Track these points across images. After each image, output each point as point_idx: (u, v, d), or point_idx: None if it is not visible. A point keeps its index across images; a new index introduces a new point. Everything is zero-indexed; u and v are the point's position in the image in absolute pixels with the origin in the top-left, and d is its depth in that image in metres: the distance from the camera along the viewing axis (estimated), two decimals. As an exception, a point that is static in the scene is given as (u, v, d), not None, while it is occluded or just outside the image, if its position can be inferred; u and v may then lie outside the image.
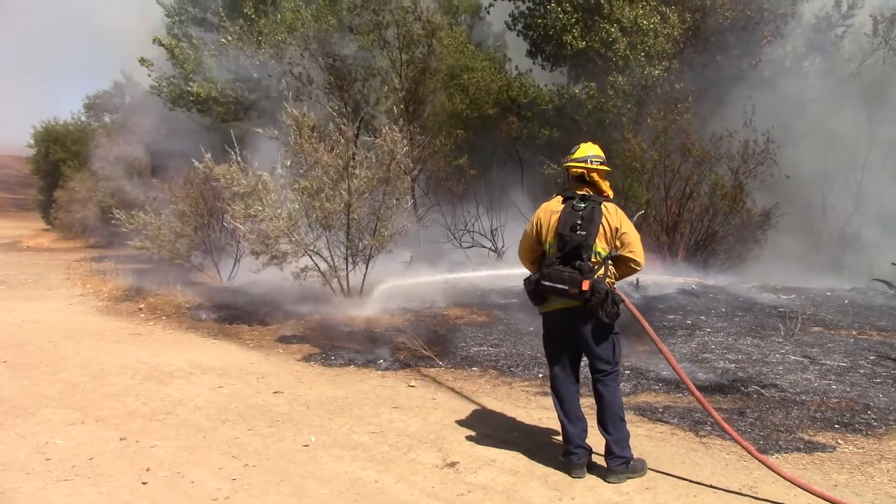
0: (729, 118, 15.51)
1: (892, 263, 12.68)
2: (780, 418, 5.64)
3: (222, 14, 20.90)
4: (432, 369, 7.59)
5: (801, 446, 5.10)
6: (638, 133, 15.13)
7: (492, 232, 15.20)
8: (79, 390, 6.84)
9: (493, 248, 15.08)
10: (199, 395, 6.65)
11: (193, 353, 8.52)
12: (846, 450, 5.03)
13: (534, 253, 4.83)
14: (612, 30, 15.66)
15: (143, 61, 20.68)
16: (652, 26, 15.47)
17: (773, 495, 4.30)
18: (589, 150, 4.72)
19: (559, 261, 4.54)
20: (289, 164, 11.58)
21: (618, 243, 4.56)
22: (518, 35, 20.57)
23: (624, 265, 4.63)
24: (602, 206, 4.53)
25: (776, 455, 4.96)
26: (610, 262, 4.59)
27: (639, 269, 4.67)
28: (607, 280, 4.54)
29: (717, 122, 15.39)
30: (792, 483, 4.28)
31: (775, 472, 4.36)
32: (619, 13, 15.68)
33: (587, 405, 4.90)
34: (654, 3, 16.11)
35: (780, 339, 8.23)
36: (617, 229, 4.53)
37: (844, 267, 13.94)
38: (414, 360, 7.84)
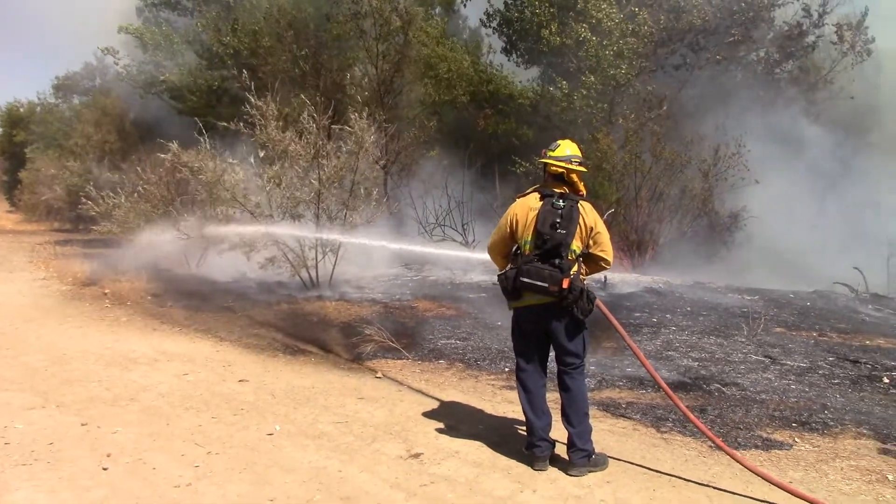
0: (700, 121, 15.74)
1: (854, 268, 12.95)
2: (739, 416, 5.74)
3: (197, -1, 20.70)
4: (399, 361, 7.60)
5: (759, 443, 5.20)
6: (610, 132, 15.26)
7: (462, 226, 15.22)
8: (40, 374, 6.73)
9: (463, 241, 15.11)
10: (163, 382, 6.58)
11: (158, 340, 8.43)
12: (802, 448, 5.15)
13: (507, 248, 4.84)
14: (581, 29, 15.74)
15: (106, 51, 20.27)
16: (616, 24, 15.51)
17: (731, 488, 4.39)
18: (568, 149, 4.73)
19: (538, 258, 4.57)
20: (261, 154, 11.52)
21: (591, 242, 4.63)
22: (493, 32, 20.66)
23: (594, 263, 4.70)
24: (579, 204, 4.58)
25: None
26: (580, 259, 4.65)
27: (608, 267, 4.76)
28: (581, 277, 4.60)
29: (689, 125, 15.60)
30: (778, 486, 4.37)
31: (755, 473, 4.44)
32: (594, 8, 15.74)
33: (552, 399, 4.95)
34: (624, 3, 16.24)
35: (743, 339, 8.37)
36: (591, 228, 4.58)
37: (808, 270, 14.19)
38: (381, 351, 7.84)
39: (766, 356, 7.63)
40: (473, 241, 15.03)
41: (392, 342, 7.87)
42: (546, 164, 4.75)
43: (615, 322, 4.86)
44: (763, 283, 13.05)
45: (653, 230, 14.68)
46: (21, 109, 31.33)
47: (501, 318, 9.62)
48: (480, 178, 17.57)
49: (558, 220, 4.51)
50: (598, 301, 4.68)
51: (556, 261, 4.50)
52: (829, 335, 8.93)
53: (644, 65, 15.99)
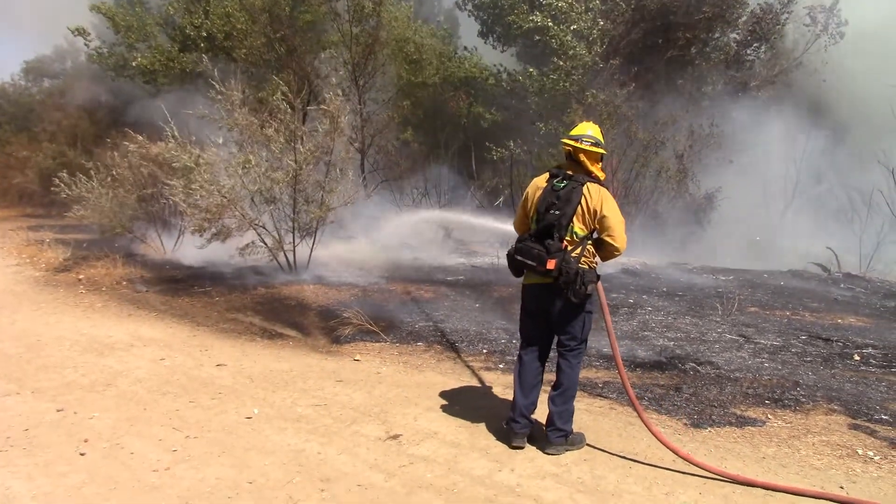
0: (673, 103, 15.80)
1: (827, 247, 13.15)
2: (714, 394, 5.83)
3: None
4: (378, 344, 7.61)
5: (734, 421, 5.29)
6: (584, 114, 15.26)
7: (441, 209, 15.22)
8: (14, 361, 6.66)
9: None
10: (139, 367, 6.54)
11: (134, 325, 8.37)
12: (775, 424, 5.24)
13: (524, 225, 4.82)
14: (537, 16, 15.69)
15: (77, 31, 19.85)
16: (569, 6, 15.43)
17: (705, 464, 4.47)
18: (585, 130, 4.67)
19: (532, 237, 4.61)
20: (230, 141, 11.39)
21: (598, 226, 4.52)
22: (469, 16, 20.63)
23: (604, 249, 4.58)
24: (584, 186, 4.49)
25: (709, 428, 5.15)
26: (589, 242, 4.57)
27: (618, 253, 4.58)
28: (584, 260, 4.53)
29: (662, 107, 15.66)
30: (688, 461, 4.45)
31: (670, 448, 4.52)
32: None
33: (548, 381, 5.00)
34: None
35: (718, 319, 8.48)
36: (596, 211, 4.47)
37: (782, 251, 14.38)
38: (360, 334, 7.84)
39: (740, 335, 7.73)
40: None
41: (370, 325, 7.87)
42: (562, 143, 4.75)
43: (605, 308, 4.87)
44: (737, 263, 13.22)
45: (629, 211, 14.76)
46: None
47: (478, 300, 9.68)
48: (457, 162, 17.55)
49: (555, 202, 4.53)
50: (599, 286, 4.66)
51: (546, 241, 4.52)
52: (802, 314, 9.07)
53: (612, 46, 15.95)
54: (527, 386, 4.80)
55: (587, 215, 4.50)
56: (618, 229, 4.49)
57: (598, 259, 4.64)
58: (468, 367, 6.79)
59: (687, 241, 14.53)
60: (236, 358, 7.02)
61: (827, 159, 16.68)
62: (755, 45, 17.77)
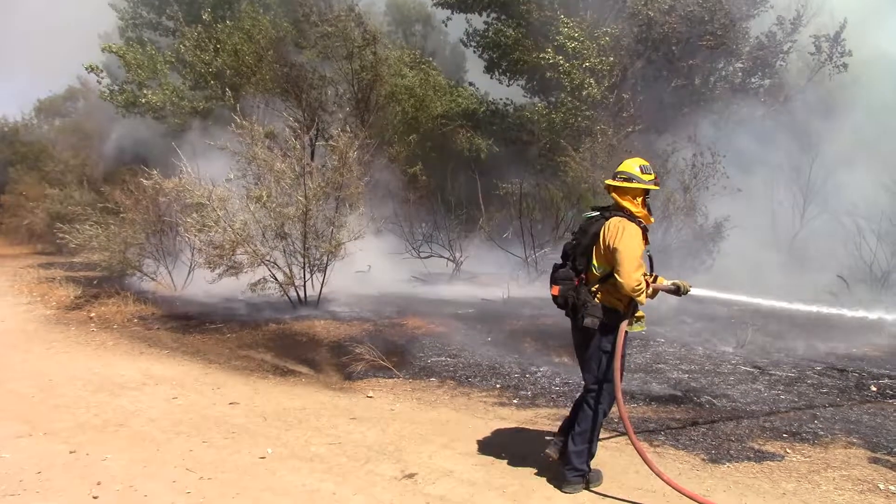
0: (680, 132, 15.86)
1: (838, 276, 13.06)
2: (731, 428, 5.77)
3: (179, 19, 20.65)
4: (390, 380, 7.58)
5: (752, 455, 5.23)
6: (594, 145, 15.32)
7: (450, 242, 15.23)
8: (26, 401, 6.65)
9: (451, 258, 15.11)
10: (152, 407, 6.52)
11: (146, 364, 8.36)
12: (794, 458, 5.18)
13: None
14: (549, 53, 15.87)
15: (91, 68, 20.19)
16: (580, 44, 15.62)
17: (725, 501, 4.41)
18: (624, 166, 4.61)
19: (560, 264, 4.69)
20: (247, 174, 11.51)
21: (612, 259, 4.41)
22: (474, 52, 20.89)
23: (614, 285, 4.42)
24: (609, 220, 4.45)
25: (728, 464, 5.08)
26: (606, 278, 4.47)
27: (626, 290, 4.35)
28: (603, 296, 4.47)
29: (667, 137, 15.71)
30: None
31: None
32: (556, 32, 15.87)
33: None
34: (588, 22, 16.37)
35: (731, 350, 8.43)
36: (608, 246, 4.39)
37: (792, 279, 14.29)
38: (372, 370, 7.82)
39: (754, 367, 7.68)
40: (461, 257, 15.03)
41: (382, 361, 7.85)
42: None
43: (619, 351, 4.52)
44: (747, 292, 13.12)
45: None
46: (6, 129, 31.03)
47: (490, 334, 9.64)
48: (466, 195, 17.60)
49: (575, 231, 4.65)
50: (622, 329, 4.48)
51: (561, 268, 4.61)
52: (816, 344, 9.00)
53: (616, 79, 16.08)
54: (572, 410, 4.81)
55: (603, 249, 4.46)
56: (625, 264, 4.31)
57: (623, 299, 4.47)
58: (482, 402, 6.74)
59: (697, 271, 14.46)
60: (249, 396, 7.00)
61: (833, 187, 16.65)
62: (759, 73, 17.88)
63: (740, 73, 17.65)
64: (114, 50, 19.99)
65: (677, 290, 4.73)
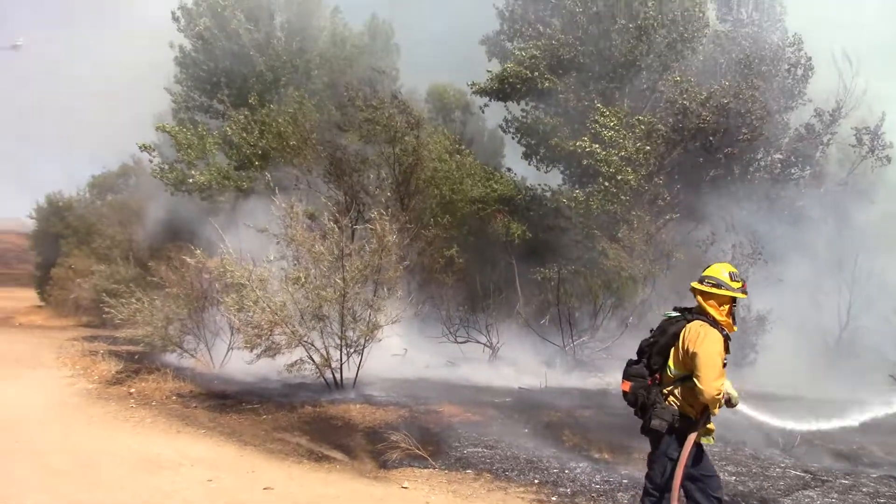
0: (719, 221, 15.81)
1: (891, 375, 12.61)
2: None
3: (227, 103, 21.55)
4: (426, 470, 7.45)
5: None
6: (632, 233, 15.32)
7: (487, 327, 15.15)
8: (65, 478, 6.67)
9: (488, 343, 15.01)
10: (188, 489, 6.49)
11: (183, 443, 8.36)
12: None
13: None
14: (585, 141, 16.13)
15: (144, 147, 21.06)
16: (616, 133, 15.84)
17: None
18: (712, 271, 4.56)
19: (634, 360, 4.64)
20: (285, 256, 11.74)
21: (691, 365, 4.29)
22: (512, 138, 21.32)
23: (690, 389, 4.29)
24: (689, 324, 4.39)
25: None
26: (681, 381, 4.37)
27: (703, 397, 4.22)
28: (675, 400, 4.37)
29: (707, 225, 15.67)
30: None
31: None
32: (594, 123, 16.17)
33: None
34: (625, 111, 16.66)
35: (779, 452, 8.14)
36: (687, 350, 4.31)
37: (841, 374, 13.87)
38: (408, 459, 7.69)
39: (805, 471, 7.38)
40: (498, 342, 14.92)
41: (418, 450, 7.73)
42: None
43: (682, 461, 4.32)
44: (794, 389, 12.76)
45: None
46: (60, 204, 32.24)
47: (527, 425, 9.47)
48: (503, 280, 17.62)
49: (653, 330, 4.58)
50: (690, 438, 4.30)
51: (635, 366, 4.54)
52: (870, 448, 8.64)
53: (653, 168, 16.20)
54: None
55: (681, 352, 4.36)
56: (707, 371, 4.18)
57: (696, 405, 4.34)
58: (519, 498, 6.58)
59: (741, 366, 14.13)
60: (284, 481, 6.93)
61: (879, 282, 16.31)
62: (799, 164, 17.87)
63: (779, 164, 17.65)
64: (167, 129, 20.86)
65: (728, 401, 4.55)
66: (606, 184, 15.77)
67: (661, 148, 16.38)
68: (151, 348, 13.75)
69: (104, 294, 15.63)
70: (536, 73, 18.23)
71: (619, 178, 15.43)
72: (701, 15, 18.27)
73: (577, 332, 14.54)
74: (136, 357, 14.11)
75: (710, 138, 16.55)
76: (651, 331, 4.60)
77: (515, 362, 14.50)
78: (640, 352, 4.57)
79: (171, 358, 13.70)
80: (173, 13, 23.61)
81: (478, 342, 15.06)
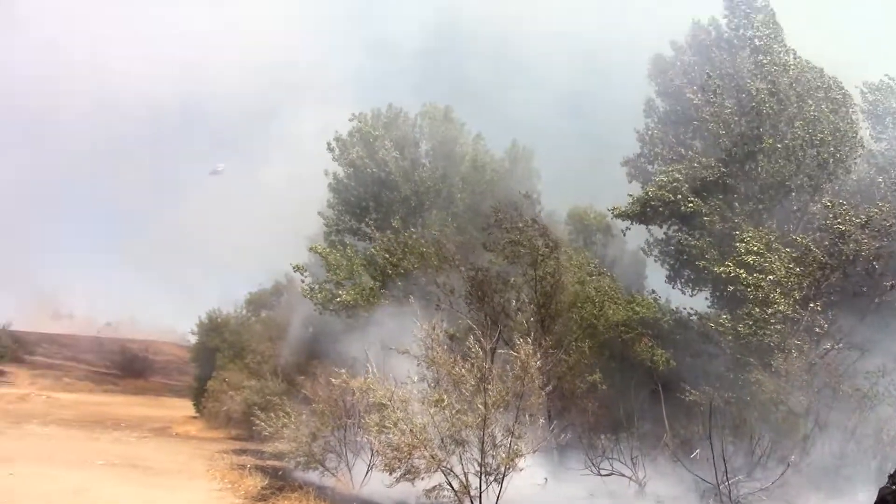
0: (889, 352, 14.50)
1: None
2: None
3: (373, 226, 22.73)
4: None
5: None
6: (788, 363, 14.33)
7: (632, 459, 14.35)
8: None
9: (633, 477, 14.15)
10: None
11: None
12: None
13: None
14: (729, 266, 15.55)
15: (297, 268, 22.40)
16: (757, 260, 15.18)
17: None
18: None
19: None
20: (425, 378, 11.86)
21: None
22: (655, 261, 20.89)
23: None
24: None
25: None
26: None
27: None
28: None
29: (876, 356, 14.41)
30: None
31: None
32: (743, 246, 15.61)
33: None
34: (774, 234, 15.98)
35: None
36: None
37: None
38: None
39: None
40: (644, 476, 14.07)
41: None
42: None
43: None
44: None
45: (848, 475, 13.14)
46: (219, 320, 34.66)
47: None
48: (648, 407, 16.82)
49: (891, 475, 4.69)
50: None
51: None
52: None
53: (810, 293, 15.24)
54: None
55: None
56: None
57: None
58: None
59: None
60: None
61: None
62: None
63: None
64: (319, 251, 22.17)
65: None
66: (757, 310, 15.01)
67: (817, 273, 15.48)
68: (296, 464, 14.11)
69: (255, 407, 16.39)
70: (679, 196, 18.03)
71: (770, 307, 14.67)
72: (854, 134, 17.60)
73: (732, 469, 13.48)
74: (281, 473, 14.50)
75: (874, 262, 15.50)
76: (890, 476, 4.50)
77: (663, 500, 13.58)
78: (884, 501, 4.42)
79: (314, 476, 13.97)
80: (329, 143, 25.59)
81: (622, 475, 14.27)
